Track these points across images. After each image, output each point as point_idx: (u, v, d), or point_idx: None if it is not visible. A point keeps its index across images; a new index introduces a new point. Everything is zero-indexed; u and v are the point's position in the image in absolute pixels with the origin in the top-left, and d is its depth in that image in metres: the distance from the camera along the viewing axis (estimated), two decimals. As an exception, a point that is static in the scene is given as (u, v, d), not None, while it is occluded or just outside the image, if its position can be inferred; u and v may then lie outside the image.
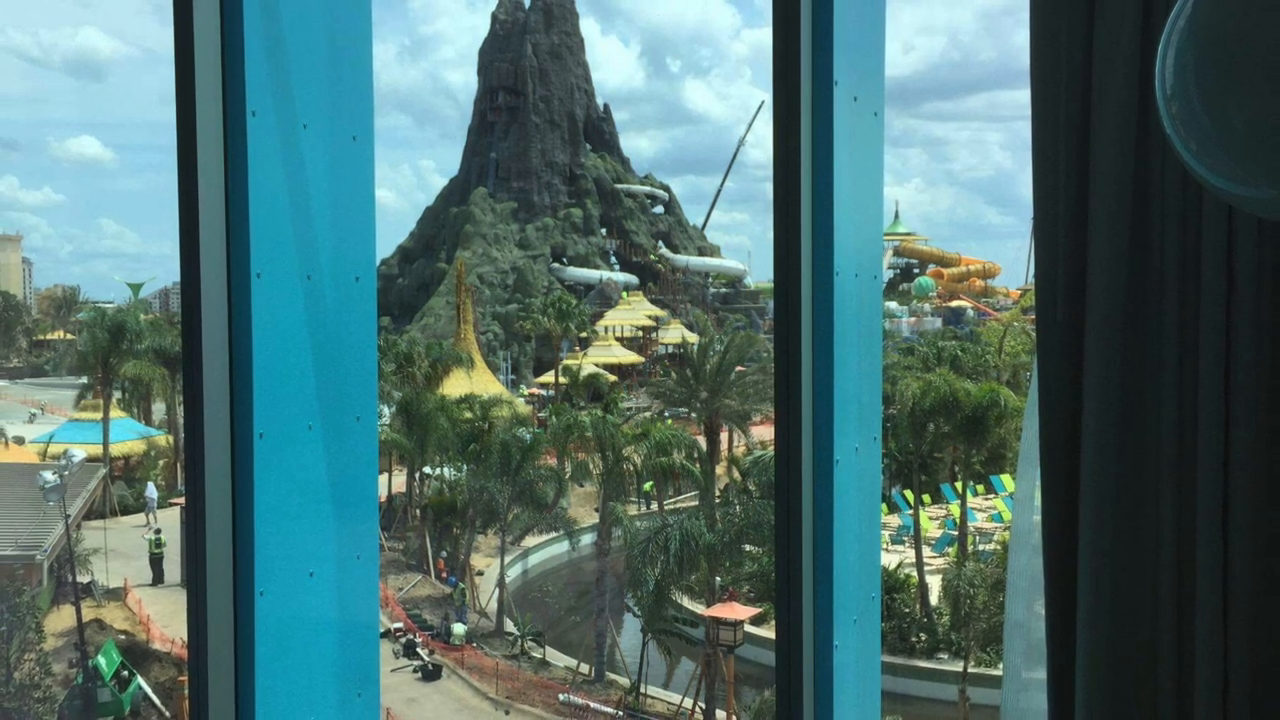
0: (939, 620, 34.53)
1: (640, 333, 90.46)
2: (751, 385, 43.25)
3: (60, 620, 31.33)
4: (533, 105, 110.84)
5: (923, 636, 34.25)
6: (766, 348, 50.65)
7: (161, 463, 50.31)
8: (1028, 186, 1.99)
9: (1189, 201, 1.78)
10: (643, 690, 32.32)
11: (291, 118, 1.94)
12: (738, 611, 27.03)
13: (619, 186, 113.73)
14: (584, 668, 34.25)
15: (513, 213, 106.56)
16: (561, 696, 31.13)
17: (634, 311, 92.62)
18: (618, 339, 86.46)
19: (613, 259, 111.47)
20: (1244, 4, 1.18)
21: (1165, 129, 1.29)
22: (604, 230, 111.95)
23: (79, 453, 33.64)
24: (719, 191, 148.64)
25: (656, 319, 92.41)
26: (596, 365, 74.50)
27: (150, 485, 46.22)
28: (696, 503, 40.22)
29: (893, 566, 36.08)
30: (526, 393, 74.03)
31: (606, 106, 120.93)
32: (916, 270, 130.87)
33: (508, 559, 41.44)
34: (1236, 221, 1.73)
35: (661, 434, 39.07)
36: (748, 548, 33.63)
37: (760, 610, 31.00)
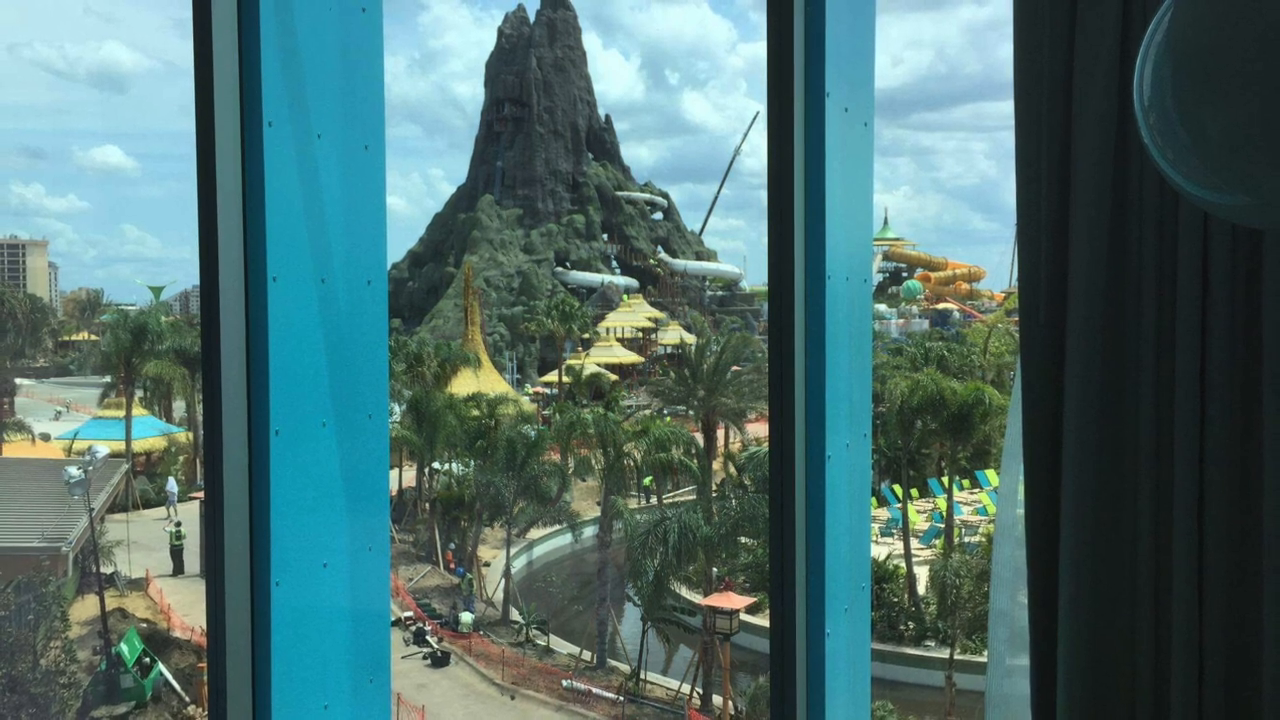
0: (926, 609, 34.63)
1: (640, 334, 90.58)
2: (747, 384, 43.42)
3: (84, 609, 31.49)
4: (537, 116, 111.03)
5: (911, 625, 34.45)
6: (761, 348, 50.70)
7: (181, 458, 50.84)
8: (1011, 194, 2.03)
9: (1166, 208, 1.83)
10: (642, 676, 32.37)
11: (306, 128, 1.97)
12: (734, 601, 27.14)
13: (620, 194, 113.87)
14: (586, 655, 34.29)
15: (518, 219, 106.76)
16: (565, 682, 31.28)
17: (634, 313, 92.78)
18: (619, 340, 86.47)
19: (614, 263, 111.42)
20: (1218, 19, 1.20)
21: (1143, 138, 1.31)
22: (605, 236, 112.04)
23: (102, 449, 33.82)
24: (715, 198, 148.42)
25: (656, 321, 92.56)
26: (598, 365, 74.57)
27: (171, 480, 46.71)
28: (694, 497, 40.07)
29: (882, 558, 36.29)
30: (531, 391, 73.97)
31: (608, 117, 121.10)
32: (905, 274, 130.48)
33: (513, 550, 41.63)
34: (1211, 227, 1.78)
35: (661, 431, 39.10)
36: (743, 540, 33.74)
37: (755, 600, 31.11)
